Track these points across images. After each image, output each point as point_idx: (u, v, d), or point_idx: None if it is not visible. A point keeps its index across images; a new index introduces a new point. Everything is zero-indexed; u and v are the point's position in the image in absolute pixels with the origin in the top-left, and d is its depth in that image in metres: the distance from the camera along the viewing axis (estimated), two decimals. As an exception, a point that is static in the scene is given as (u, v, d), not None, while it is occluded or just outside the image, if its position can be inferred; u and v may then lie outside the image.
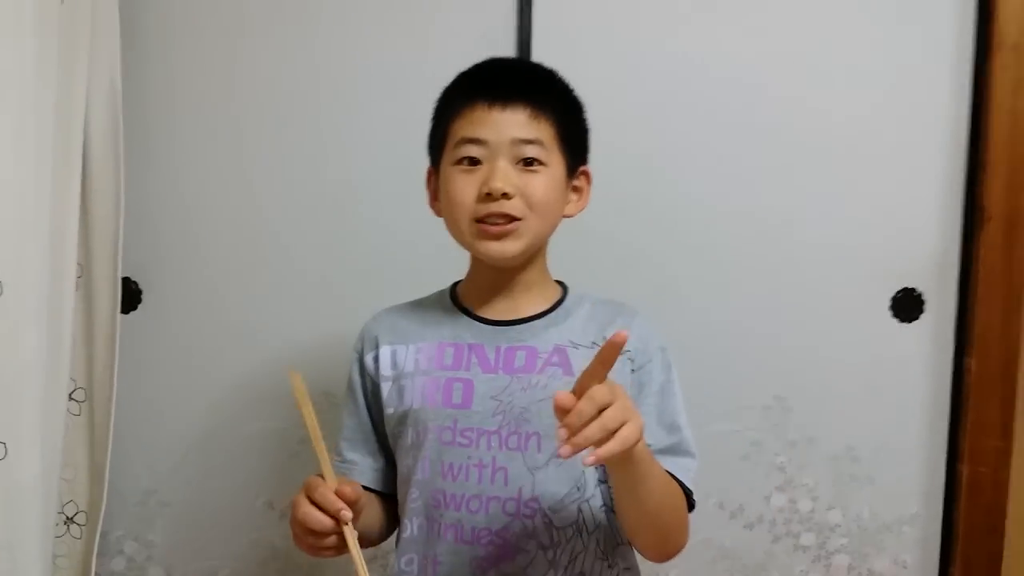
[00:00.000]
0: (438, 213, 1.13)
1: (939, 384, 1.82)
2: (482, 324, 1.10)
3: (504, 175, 1.01)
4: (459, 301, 1.16)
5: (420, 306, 1.18)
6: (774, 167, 1.75)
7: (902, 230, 1.78)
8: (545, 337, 1.08)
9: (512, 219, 1.03)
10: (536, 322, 1.10)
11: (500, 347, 1.07)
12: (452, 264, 1.24)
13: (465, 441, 1.04)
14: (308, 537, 0.94)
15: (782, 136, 1.74)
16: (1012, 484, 1.83)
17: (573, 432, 0.81)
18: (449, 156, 1.06)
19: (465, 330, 1.10)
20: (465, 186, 1.04)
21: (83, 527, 1.61)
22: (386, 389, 1.11)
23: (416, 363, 1.09)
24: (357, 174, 1.67)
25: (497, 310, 1.11)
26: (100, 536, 1.63)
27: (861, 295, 1.79)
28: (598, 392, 0.83)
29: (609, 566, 1.10)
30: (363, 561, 0.91)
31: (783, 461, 1.79)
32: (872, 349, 1.79)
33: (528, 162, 1.03)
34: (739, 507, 1.79)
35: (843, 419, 1.80)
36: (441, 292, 1.20)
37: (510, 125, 1.02)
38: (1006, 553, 1.84)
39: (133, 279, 1.67)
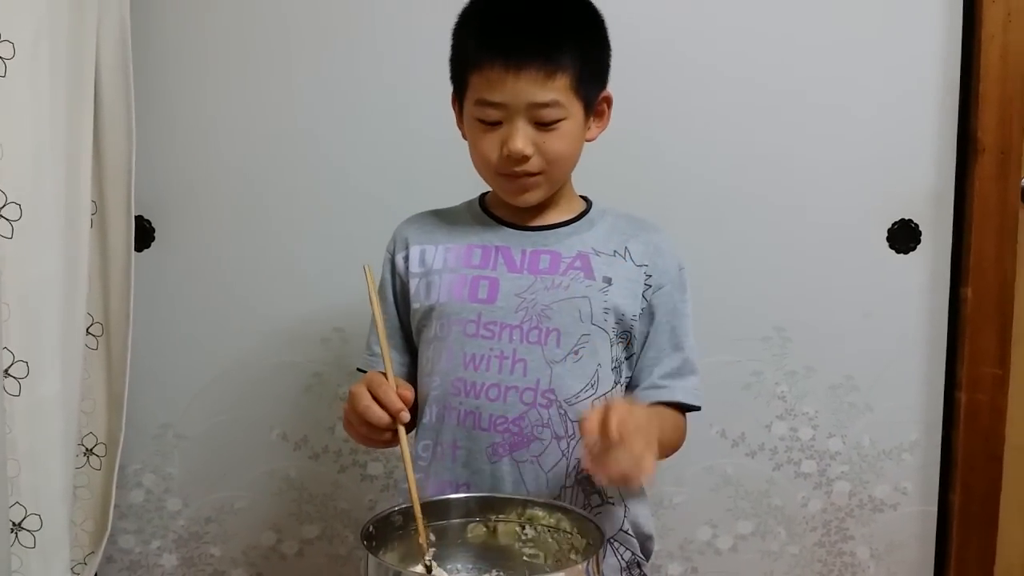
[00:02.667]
0: (465, 137, 1.17)
1: (936, 313, 1.85)
2: (509, 228, 1.16)
3: (522, 138, 1.05)
4: (487, 209, 1.21)
5: (450, 212, 1.23)
6: (770, 102, 1.78)
7: (898, 163, 1.82)
8: (568, 243, 1.14)
9: (533, 174, 1.08)
10: (561, 229, 1.16)
11: (526, 250, 1.13)
12: (467, 195, 1.30)
13: (488, 334, 1.10)
14: (363, 428, 1.00)
15: (777, 71, 1.77)
16: (1010, 411, 1.87)
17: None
18: (470, 105, 1.10)
19: (493, 234, 1.15)
20: (487, 144, 1.08)
21: (102, 459, 1.66)
22: (414, 285, 1.15)
23: (444, 261, 1.14)
24: (369, 107, 1.71)
25: (524, 219, 1.17)
26: (119, 469, 1.68)
27: (858, 227, 1.82)
28: (613, 417, 0.89)
29: None
30: (411, 461, 0.96)
31: (783, 391, 1.83)
32: (870, 280, 1.83)
33: (545, 123, 1.06)
34: (741, 436, 1.83)
35: (842, 349, 1.83)
36: (470, 201, 1.24)
37: (525, 89, 1.03)
38: (1005, 479, 1.88)
39: (146, 217, 1.71)
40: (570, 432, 1.11)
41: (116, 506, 1.69)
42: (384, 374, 1.02)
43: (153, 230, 1.71)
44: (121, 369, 1.64)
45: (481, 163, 1.12)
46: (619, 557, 1.19)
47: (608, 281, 1.12)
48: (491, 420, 1.09)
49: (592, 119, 1.13)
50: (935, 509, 1.89)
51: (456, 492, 1.09)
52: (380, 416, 0.98)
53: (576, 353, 1.10)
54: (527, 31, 1.05)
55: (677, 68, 1.76)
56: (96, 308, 1.64)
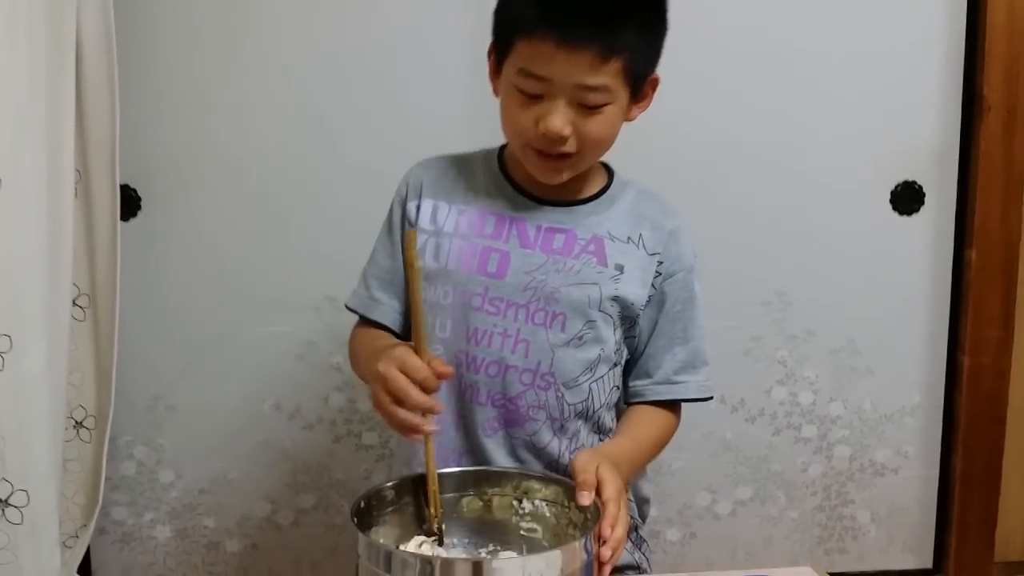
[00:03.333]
0: (496, 93, 1.08)
1: (939, 276, 1.83)
2: (526, 198, 1.10)
3: (562, 119, 0.98)
4: (506, 168, 1.13)
5: (467, 164, 1.15)
6: (773, 63, 1.73)
7: (902, 123, 1.78)
8: (585, 224, 1.08)
9: (566, 155, 1.02)
10: (579, 207, 1.09)
11: (541, 225, 1.07)
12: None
13: (493, 309, 1.06)
14: (399, 413, 0.90)
15: (781, 32, 1.72)
16: (1013, 374, 1.85)
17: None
18: (511, 70, 1.01)
19: (508, 202, 1.10)
20: (523, 115, 1.00)
21: (92, 431, 1.63)
22: (421, 241, 1.10)
23: (456, 225, 1.09)
24: (360, 74, 1.66)
25: (543, 187, 1.09)
26: (110, 441, 1.65)
27: (861, 189, 1.79)
28: (620, 528, 0.87)
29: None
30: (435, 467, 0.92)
31: (784, 355, 1.80)
32: (872, 242, 1.80)
33: (589, 106, 0.99)
34: (740, 401, 1.80)
35: (843, 312, 1.80)
36: (488, 153, 1.16)
37: (576, 69, 0.96)
38: (1007, 442, 1.86)
39: (132, 186, 1.67)
40: (565, 414, 1.08)
41: (108, 479, 1.67)
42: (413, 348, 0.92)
43: (139, 199, 1.67)
44: (109, 341, 1.61)
45: (512, 132, 1.04)
46: None
47: (620, 269, 1.07)
48: (489, 395, 1.07)
49: (635, 101, 1.05)
50: (936, 472, 1.88)
51: (459, 461, 1.07)
52: (418, 401, 0.89)
53: (580, 339, 1.07)
54: (589, 6, 0.96)
55: (676, 28, 1.70)
56: (82, 279, 1.60)
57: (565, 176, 1.05)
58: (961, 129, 1.79)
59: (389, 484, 0.94)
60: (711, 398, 1.14)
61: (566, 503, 0.92)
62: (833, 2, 1.72)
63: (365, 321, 1.15)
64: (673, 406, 1.13)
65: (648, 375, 1.11)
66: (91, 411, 1.64)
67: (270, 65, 1.65)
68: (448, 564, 0.75)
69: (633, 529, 1.20)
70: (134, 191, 1.67)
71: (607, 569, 0.85)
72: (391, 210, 1.17)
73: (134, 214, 1.67)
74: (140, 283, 1.68)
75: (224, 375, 1.71)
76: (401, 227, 1.14)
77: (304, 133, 1.67)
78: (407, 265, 0.94)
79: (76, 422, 1.64)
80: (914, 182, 1.80)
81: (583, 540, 0.79)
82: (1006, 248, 1.82)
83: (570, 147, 1.01)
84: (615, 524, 0.87)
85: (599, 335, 1.07)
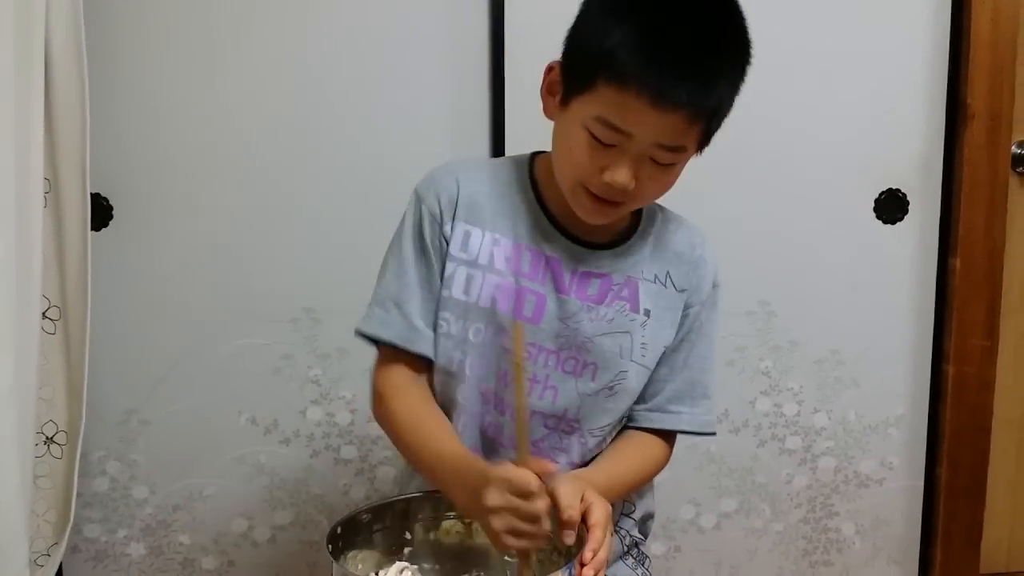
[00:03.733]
0: (549, 116, 1.00)
1: (924, 285, 1.81)
2: (562, 235, 1.02)
3: (632, 173, 0.92)
4: (539, 193, 1.04)
5: (500, 181, 1.05)
6: (755, 71, 1.70)
7: (885, 131, 1.76)
8: (621, 266, 1.04)
9: (620, 202, 0.97)
10: (616, 249, 1.04)
11: (577, 269, 1.02)
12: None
13: (525, 355, 1.01)
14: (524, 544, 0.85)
15: (763, 42, 1.68)
16: (998, 383, 1.84)
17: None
18: (585, 111, 0.92)
19: (545, 239, 1.02)
20: (588, 158, 0.93)
21: (63, 447, 1.59)
22: (450, 268, 1.01)
23: (491, 257, 1.01)
24: (336, 80, 1.63)
25: (577, 220, 1.01)
26: (82, 457, 1.61)
27: (845, 197, 1.77)
28: (602, 552, 0.85)
29: None
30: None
31: (768, 366, 1.79)
32: (856, 251, 1.78)
33: (661, 163, 0.94)
34: (724, 412, 1.78)
35: (827, 322, 1.79)
36: (519, 167, 1.07)
37: (663, 131, 0.91)
38: (992, 452, 1.85)
39: (103, 195, 1.63)
40: (586, 458, 1.05)
41: (79, 495, 1.63)
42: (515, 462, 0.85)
43: (111, 208, 1.63)
44: (80, 354, 1.57)
45: (569, 171, 0.96)
46: (620, 541, 1.15)
47: (648, 314, 1.04)
48: (511, 439, 1.02)
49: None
50: (922, 484, 1.87)
51: None
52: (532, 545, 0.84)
53: (610, 389, 1.04)
54: (691, 67, 0.89)
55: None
56: (52, 291, 1.56)
57: (610, 219, 1.00)
58: (945, 137, 1.78)
59: (364, 508, 0.91)
60: (712, 434, 1.10)
61: (553, 530, 0.89)
62: (816, 11, 1.71)
63: (395, 351, 1.03)
64: (666, 435, 1.10)
65: (643, 400, 1.08)
66: (62, 426, 1.60)
67: (245, 72, 1.61)
68: None
69: (634, 546, 1.18)
70: (105, 200, 1.63)
71: None
72: (420, 225, 1.03)
73: (105, 224, 1.63)
74: (112, 294, 1.64)
75: (199, 388, 1.67)
76: (437, 249, 1.02)
77: (281, 141, 1.63)
78: (514, 364, 0.85)
79: (47, 438, 1.60)
80: (898, 190, 1.79)
81: (565, 570, 0.76)
82: (990, 257, 1.81)
83: (625, 197, 0.95)
84: (598, 549, 0.85)
85: (630, 385, 1.04)
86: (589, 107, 0.92)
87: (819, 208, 1.76)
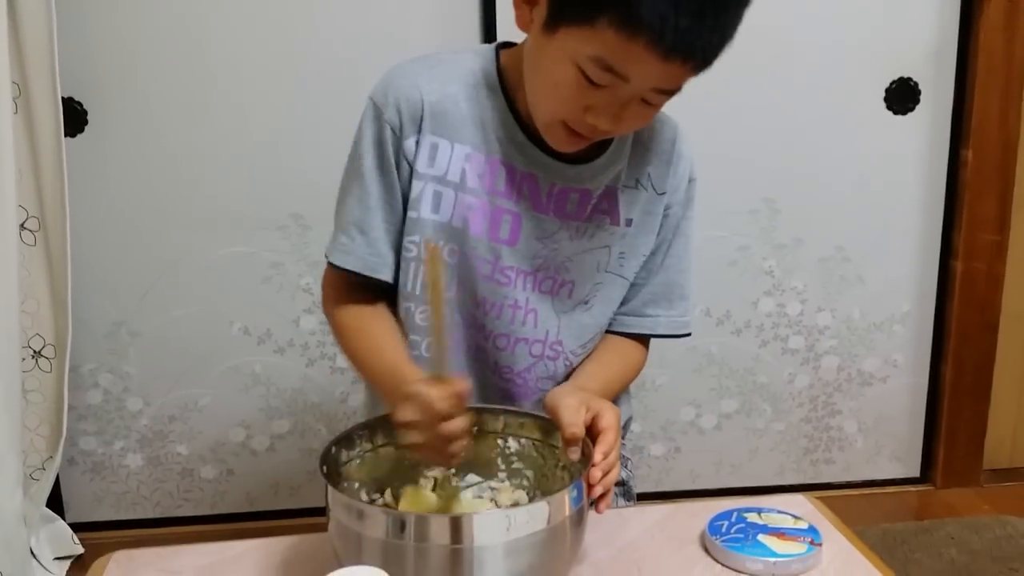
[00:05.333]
0: (522, 28, 0.89)
1: (934, 178, 1.75)
2: (538, 150, 0.93)
3: (610, 121, 0.85)
4: (511, 97, 0.94)
5: (464, 82, 0.94)
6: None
7: (897, 16, 1.67)
8: (600, 177, 0.95)
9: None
10: (595, 163, 0.95)
11: (555, 186, 0.93)
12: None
13: (504, 280, 0.95)
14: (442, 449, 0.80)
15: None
16: (1007, 278, 1.79)
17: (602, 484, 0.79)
18: (578, 47, 0.82)
19: (519, 151, 0.93)
20: (574, 96, 0.84)
21: (52, 360, 1.57)
22: (417, 188, 0.92)
23: (463, 174, 0.92)
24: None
25: None
26: (73, 370, 1.59)
27: (854, 88, 1.69)
28: (614, 453, 0.82)
29: None
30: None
31: (771, 265, 1.74)
32: (865, 144, 1.71)
33: (650, 103, 0.86)
34: (726, 313, 1.75)
35: (833, 219, 1.73)
36: (485, 63, 0.95)
37: (665, 78, 0.83)
38: (999, 349, 1.82)
39: (76, 99, 1.55)
40: (569, 377, 1.01)
41: (73, 408, 1.62)
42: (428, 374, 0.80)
43: (85, 112, 1.56)
44: (63, 265, 1.53)
45: (548, 105, 0.87)
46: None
47: (629, 223, 0.97)
48: (496, 368, 0.98)
49: None
50: (926, 382, 1.84)
51: None
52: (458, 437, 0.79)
53: (586, 303, 0.98)
54: (711, 21, 0.81)
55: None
56: (29, 201, 1.51)
57: (582, 147, 0.90)
58: (960, 21, 1.69)
59: (359, 425, 0.86)
60: (687, 334, 1.05)
61: (557, 443, 0.85)
62: None
63: (355, 277, 0.95)
64: (643, 338, 1.06)
65: (623, 303, 1.03)
66: (49, 340, 1.57)
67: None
68: (422, 521, 0.69)
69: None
70: (79, 104, 1.56)
71: (598, 490, 0.79)
72: (380, 142, 0.93)
73: (80, 129, 1.57)
74: (92, 203, 1.58)
75: (187, 299, 1.64)
76: (398, 166, 0.93)
77: (266, 36, 1.55)
78: (431, 287, 0.81)
79: (34, 351, 1.57)
80: (909, 79, 1.70)
81: (571, 489, 0.73)
82: (1004, 148, 1.74)
83: (608, 134, 0.88)
84: (609, 451, 0.81)
85: (608, 295, 0.99)
86: (586, 45, 0.82)
87: (827, 99, 1.68)
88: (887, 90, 1.70)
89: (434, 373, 0.79)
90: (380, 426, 0.85)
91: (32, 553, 1.51)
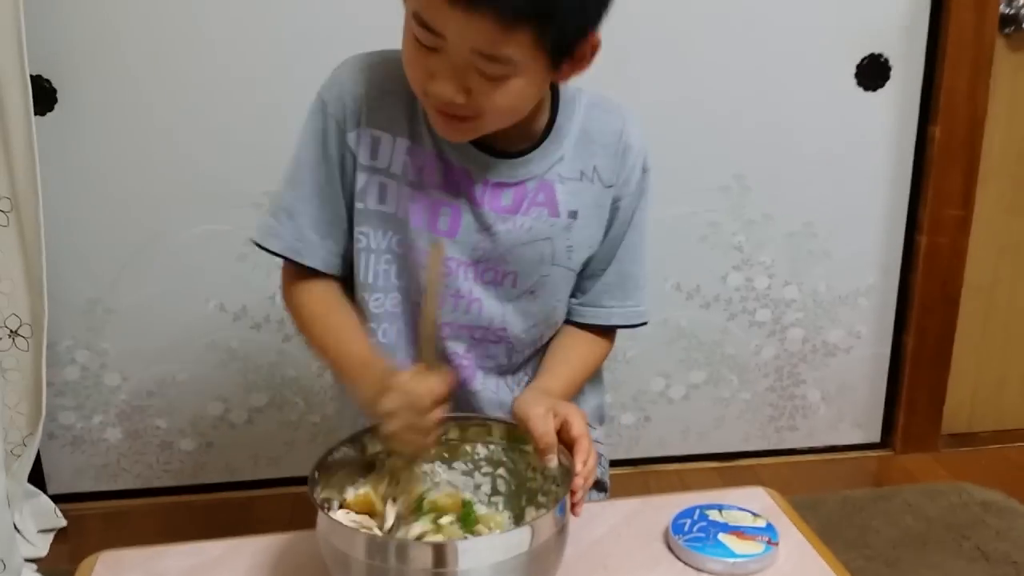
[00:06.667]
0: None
1: (902, 154, 1.78)
2: (471, 146, 0.94)
3: (454, 86, 0.83)
4: None
5: (399, 76, 0.93)
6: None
7: (869, -9, 1.68)
8: (534, 170, 0.96)
9: (465, 116, 0.87)
10: (527, 156, 0.96)
11: (488, 181, 0.95)
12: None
13: (445, 270, 0.97)
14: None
15: None
16: (971, 249, 1.84)
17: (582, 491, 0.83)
18: (409, 5, 0.84)
19: (452, 147, 0.94)
20: (417, 64, 0.85)
21: (28, 339, 1.58)
22: (362, 179, 0.95)
23: (404, 167, 0.94)
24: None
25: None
26: (50, 347, 1.60)
27: (824, 63, 1.70)
28: (591, 460, 0.84)
29: None
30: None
31: (741, 240, 1.77)
32: (835, 120, 1.73)
33: (489, 76, 0.83)
34: (696, 288, 1.78)
35: (802, 195, 1.76)
36: None
37: (472, 34, 0.79)
38: (961, 317, 1.87)
39: (45, 77, 1.54)
40: (513, 361, 1.04)
41: (51, 384, 1.63)
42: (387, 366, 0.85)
43: (54, 91, 1.55)
44: (36, 244, 1.53)
45: (410, 80, 0.88)
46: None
47: (573, 215, 0.97)
48: (442, 353, 1.00)
49: (565, 62, 0.87)
50: (888, 351, 1.90)
51: None
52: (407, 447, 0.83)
53: (532, 293, 1.00)
54: None
55: None
56: (0, 182, 1.50)
57: (468, 137, 0.92)
58: (931, -3, 1.70)
59: (341, 442, 0.87)
60: (644, 323, 1.07)
61: (524, 447, 0.88)
62: None
63: (292, 264, 0.99)
64: (603, 329, 1.08)
65: (579, 292, 1.05)
66: (25, 319, 1.58)
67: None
68: (403, 547, 0.72)
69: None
70: (48, 82, 1.54)
71: (579, 496, 0.83)
72: (323, 133, 0.96)
73: (50, 107, 1.55)
74: (64, 182, 1.58)
75: (162, 276, 1.64)
76: (340, 156, 0.96)
77: (241, 10, 1.53)
78: (431, 281, 0.84)
79: (11, 331, 1.58)
80: (880, 55, 1.72)
81: (556, 509, 0.76)
82: (971, 125, 1.77)
83: (468, 111, 0.86)
84: (587, 457, 0.85)
85: (555, 286, 1.01)
86: (409, 5, 0.84)
87: (798, 75, 1.70)
88: (858, 66, 1.71)
89: (420, 364, 0.82)
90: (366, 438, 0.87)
91: (16, 528, 1.54)
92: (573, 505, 0.81)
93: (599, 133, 0.99)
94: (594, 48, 0.88)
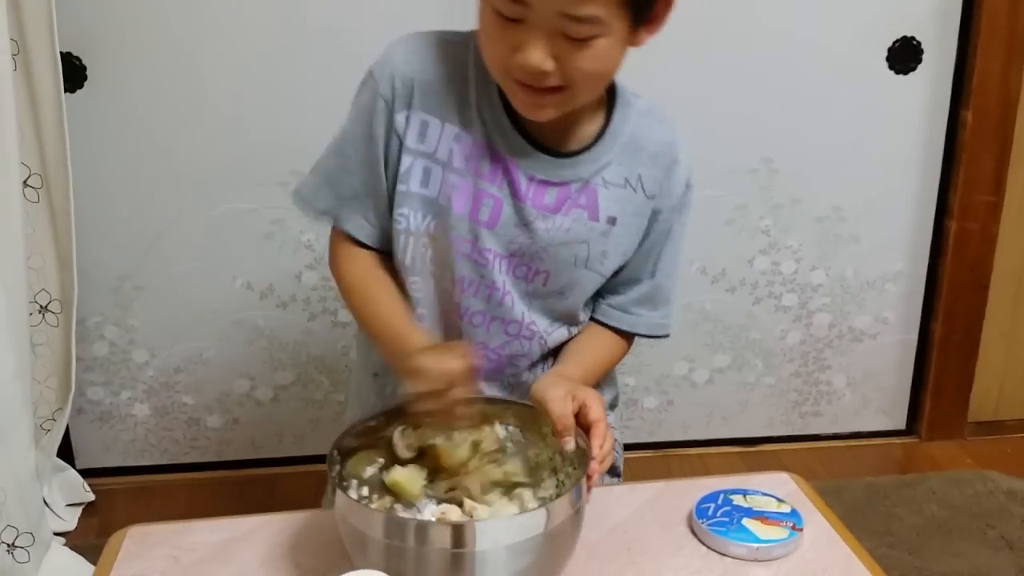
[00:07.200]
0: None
1: (933, 138, 1.75)
2: (521, 138, 0.94)
3: (542, 52, 0.83)
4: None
5: (459, 64, 0.95)
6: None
7: (902, -28, 1.65)
8: (580, 173, 0.96)
9: (553, 89, 0.87)
10: (577, 157, 0.96)
11: (534, 177, 0.94)
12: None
13: (481, 260, 0.96)
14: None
15: None
16: (1001, 234, 1.81)
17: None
18: None
19: (502, 137, 0.94)
20: (499, 39, 0.85)
21: (58, 315, 1.60)
22: (407, 162, 0.95)
23: (450, 154, 0.94)
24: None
25: (538, 124, 0.94)
26: (78, 323, 1.62)
27: (856, 46, 1.68)
28: (608, 443, 0.85)
29: None
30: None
31: (768, 224, 1.76)
32: (866, 104, 1.71)
33: (577, 39, 0.83)
34: (721, 271, 1.77)
35: (832, 178, 1.74)
36: (478, 55, 0.94)
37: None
38: (989, 305, 1.85)
39: (75, 54, 1.55)
40: (544, 358, 1.04)
41: (80, 360, 1.65)
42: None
43: (84, 68, 1.56)
44: (66, 221, 1.55)
45: (487, 56, 0.89)
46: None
47: (612, 222, 0.97)
48: (471, 344, 1.01)
49: (643, 26, 0.87)
50: (915, 338, 1.88)
51: None
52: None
53: (561, 294, 1.00)
54: None
55: None
56: (31, 158, 1.52)
57: (552, 113, 0.90)
58: (965, -23, 1.68)
59: (360, 422, 0.87)
60: (665, 336, 1.08)
61: (543, 429, 0.88)
62: None
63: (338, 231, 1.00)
64: (627, 334, 1.09)
65: (609, 294, 1.05)
66: (55, 295, 1.60)
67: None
68: (423, 528, 0.72)
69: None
70: (78, 60, 1.55)
71: (595, 481, 0.83)
72: (372, 112, 0.95)
73: (80, 85, 1.56)
74: (93, 159, 1.59)
75: (190, 254, 1.66)
76: (386, 140, 0.95)
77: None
78: (437, 263, 0.86)
79: (41, 306, 1.60)
80: (912, 38, 1.69)
81: (572, 492, 0.76)
82: (1003, 109, 1.74)
83: (555, 81, 0.86)
84: (603, 441, 0.85)
85: (584, 289, 1.01)
86: None
87: (829, 58, 1.68)
88: (890, 49, 1.69)
89: (439, 341, 0.84)
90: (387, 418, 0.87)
91: (44, 502, 1.57)
92: (588, 489, 0.82)
93: (649, 142, 0.98)
94: (668, 6, 0.89)
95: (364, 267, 1.00)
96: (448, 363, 0.81)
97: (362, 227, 0.99)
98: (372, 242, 1.00)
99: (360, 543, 0.73)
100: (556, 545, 0.75)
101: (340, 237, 1.00)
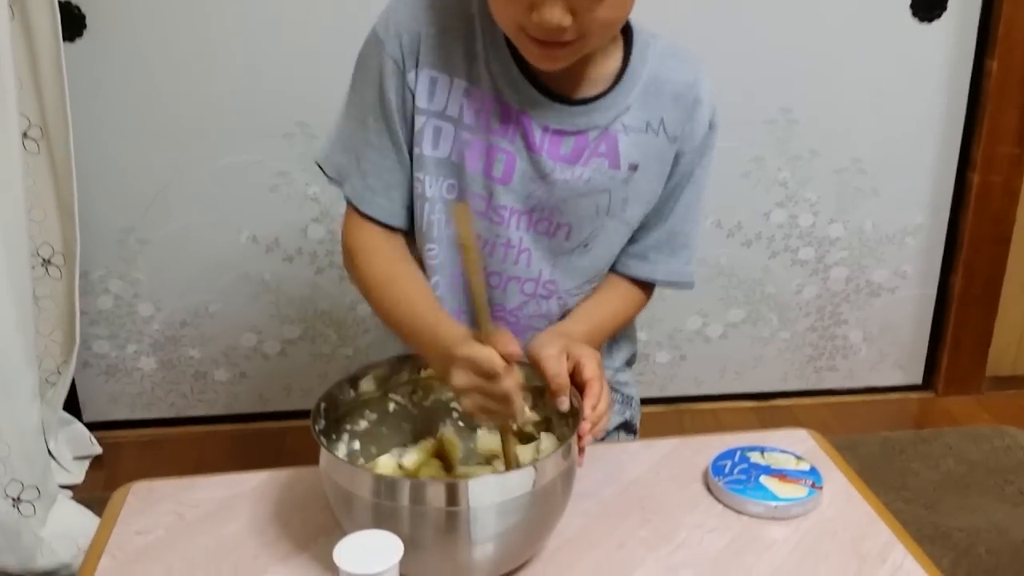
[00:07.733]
0: None
1: (956, 88, 1.70)
2: (533, 88, 0.90)
3: (561, 8, 0.79)
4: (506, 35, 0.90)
5: (465, 13, 0.91)
6: None
7: (930, -87, 1.59)
8: (597, 120, 0.91)
9: (567, 42, 0.83)
10: (591, 104, 0.91)
11: (548, 127, 0.91)
12: None
13: (496, 218, 0.93)
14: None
15: None
16: (1023, 193, 1.77)
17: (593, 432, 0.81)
18: None
19: (513, 89, 0.90)
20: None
21: (61, 268, 1.58)
22: (420, 122, 0.91)
23: (460, 110, 0.90)
24: None
25: (551, 73, 0.90)
26: (83, 276, 1.60)
27: (880, -9, 1.63)
28: (602, 403, 0.83)
29: None
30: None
31: (786, 176, 1.71)
32: (888, 53, 1.66)
33: None
34: (737, 225, 1.73)
35: (851, 130, 1.70)
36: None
37: None
38: (1010, 262, 1.81)
39: (74, 2, 1.50)
40: (563, 317, 1.00)
41: (84, 313, 1.63)
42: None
43: (83, 16, 1.52)
44: (67, 172, 1.52)
45: (499, 11, 0.85)
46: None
47: (634, 168, 0.92)
48: (488, 305, 0.97)
49: None
50: (934, 292, 1.85)
51: None
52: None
53: (585, 246, 0.96)
54: None
55: None
56: (30, 109, 1.49)
57: (565, 63, 0.86)
58: (995, -78, 1.61)
59: (346, 378, 0.84)
60: (689, 285, 1.03)
61: (539, 386, 0.85)
62: None
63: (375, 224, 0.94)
64: (645, 284, 1.04)
65: (627, 243, 1.01)
66: (58, 248, 1.57)
67: None
68: (419, 487, 0.70)
69: (613, 390, 1.14)
70: (76, 8, 1.51)
71: (587, 441, 0.81)
72: (382, 74, 0.90)
73: (79, 34, 1.52)
74: (94, 110, 1.55)
75: (194, 207, 1.63)
76: (400, 104, 0.91)
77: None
78: (462, 245, 0.77)
79: (44, 259, 1.57)
80: (938, -18, 1.63)
81: (561, 450, 0.74)
82: (1031, 57, 1.69)
83: (572, 35, 0.82)
84: (597, 402, 0.82)
85: (609, 239, 0.96)
86: None
87: (850, 5, 1.62)
88: (914, -5, 1.63)
89: (478, 333, 0.77)
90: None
91: (51, 455, 1.56)
92: (579, 450, 0.79)
93: (670, 83, 0.93)
94: None
95: (386, 263, 0.94)
96: (486, 353, 0.76)
97: (387, 208, 0.93)
98: (398, 222, 0.94)
99: (346, 502, 0.71)
100: (545, 503, 0.73)
101: (361, 230, 0.94)
